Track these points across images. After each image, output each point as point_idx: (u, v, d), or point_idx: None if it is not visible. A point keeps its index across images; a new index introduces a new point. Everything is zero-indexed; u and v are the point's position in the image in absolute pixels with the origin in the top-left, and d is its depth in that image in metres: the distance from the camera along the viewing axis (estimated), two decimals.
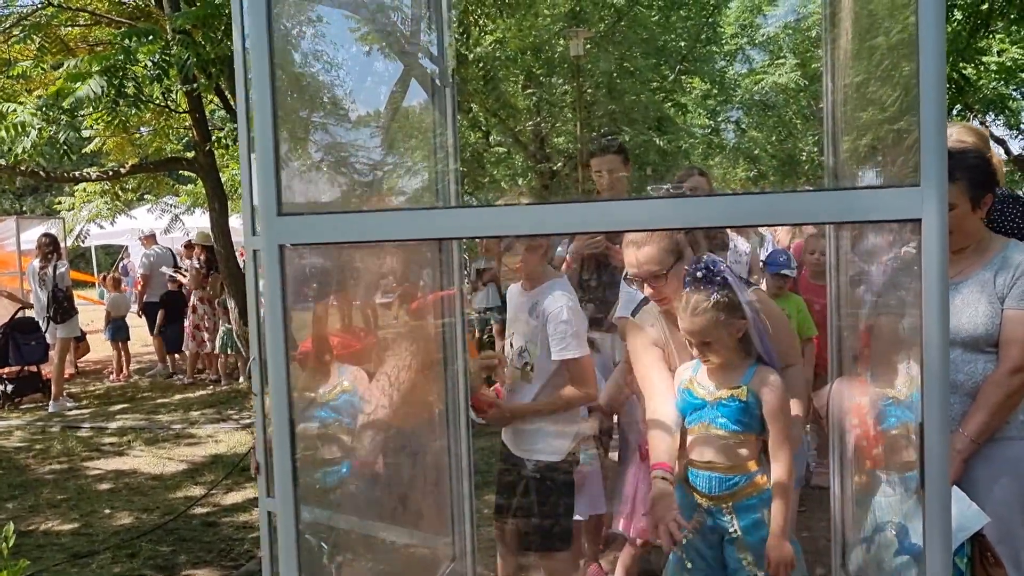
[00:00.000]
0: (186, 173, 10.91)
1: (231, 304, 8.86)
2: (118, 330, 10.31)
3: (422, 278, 2.62)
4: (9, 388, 8.72)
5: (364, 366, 2.43)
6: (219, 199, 8.72)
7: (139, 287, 11.09)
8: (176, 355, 10.42)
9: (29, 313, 9.08)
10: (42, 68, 8.63)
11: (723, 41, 20.35)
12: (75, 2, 9.07)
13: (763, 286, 4.50)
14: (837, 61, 2.27)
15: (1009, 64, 12.87)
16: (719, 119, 22.53)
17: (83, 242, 12.39)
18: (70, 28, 9.60)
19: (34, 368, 8.91)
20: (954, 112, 11.37)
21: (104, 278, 13.40)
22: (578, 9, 14.58)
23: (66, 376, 9.31)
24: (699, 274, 2.27)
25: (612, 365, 3.54)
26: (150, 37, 6.58)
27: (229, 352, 9.47)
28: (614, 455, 3.72)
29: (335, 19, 2.48)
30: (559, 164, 15.32)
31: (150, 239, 11.42)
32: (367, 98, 2.64)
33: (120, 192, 11.11)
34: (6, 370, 8.83)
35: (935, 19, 1.00)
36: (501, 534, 3.07)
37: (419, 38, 2.54)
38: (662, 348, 2.50)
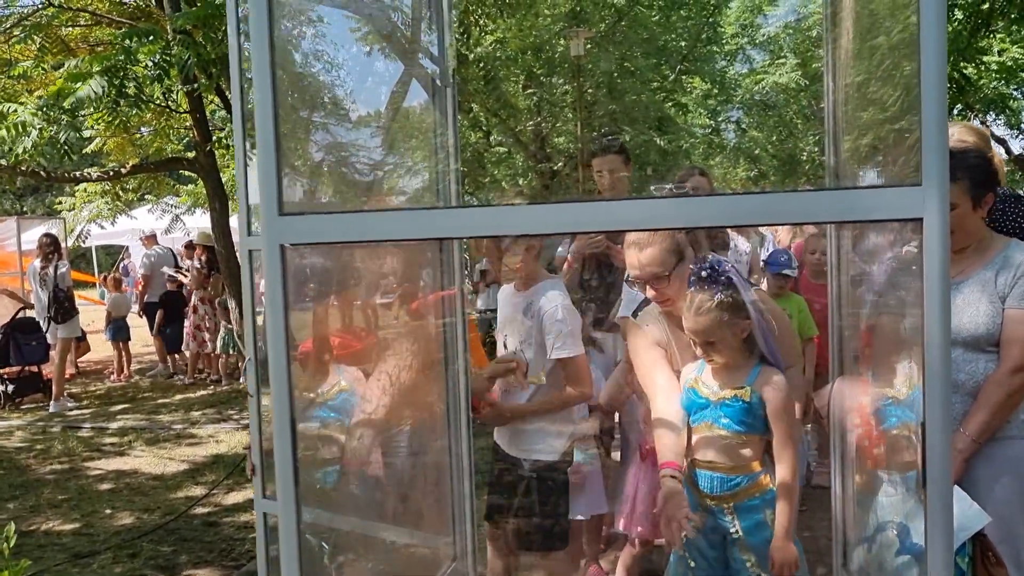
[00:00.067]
0: (187, 173, 10.89)
1: (232, 304, 8.85)
2: (119, 330, 10.32)
3: (423, 278, 2.62)
4: (10, 388, 8.73)
5: (364, 366, 2.43)
6: (220, 199, 8.70)
7: (140, 287, 11.10)
8: (176, 355, 10.42)
9: (30, 313, 9.09)
10: (43, 68, 8.62)
11: (724, 41, 20.30)
12: (76, 2, 9.06)
13: (764, 286, 4.50)
14: (838, 61, 2.26)
15: (1010, 64, 12.86)
16: (720, 119, 22.46)
17: (84, 242, 12.36)
18: (71, 28, 9.59)
19: (35, 368, 8.92)
20: (955, 112, 11.36)
21: (105, 278, 13.39)
22: (578, 9, 14.55)
23: (67, 376, 9.32)
24: (704, 273, 2.26)
25: (614, 365, 3.54)
26: (151, 37, 6.57)
27: (230, 352, 9.48)
28: (616, 455, 3.72)
29: (335, 19, 2.48)
30: (560, 164, 15.29)
31: (151, 239, 11.43)
32: (368, 98, 2.64)
33: (121, 192, 11.08)
34: (7, 370, 8.83)
35: (936, 19, 1.00)
36: (493, 533, 3.07)
37: (420, 38, 2.54)
38: (664, 348, 2.50)
